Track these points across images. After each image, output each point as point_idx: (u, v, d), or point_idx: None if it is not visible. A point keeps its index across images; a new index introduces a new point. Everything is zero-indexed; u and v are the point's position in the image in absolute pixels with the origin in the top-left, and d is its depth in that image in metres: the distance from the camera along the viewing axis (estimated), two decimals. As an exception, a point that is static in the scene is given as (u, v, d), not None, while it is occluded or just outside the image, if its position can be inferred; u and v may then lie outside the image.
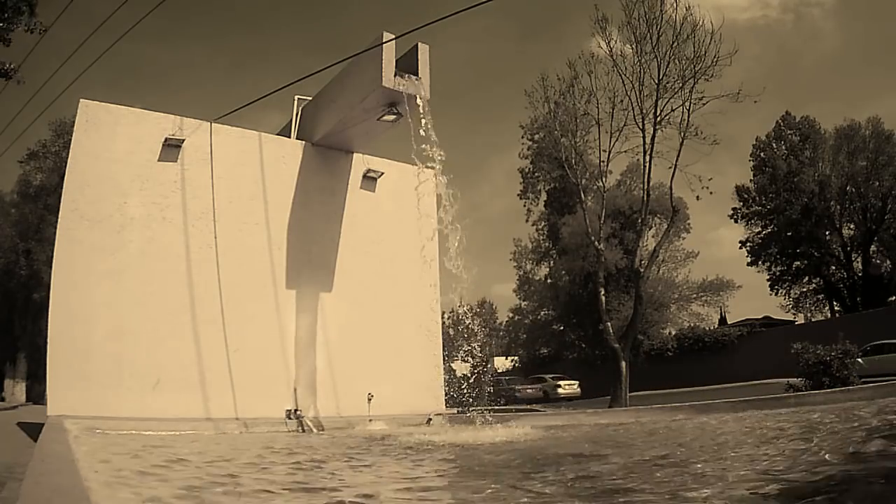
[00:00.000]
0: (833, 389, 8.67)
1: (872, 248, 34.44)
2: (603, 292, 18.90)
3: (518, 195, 38.98)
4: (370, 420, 8.05)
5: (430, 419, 8.44)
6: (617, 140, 17.86)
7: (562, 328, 37.06)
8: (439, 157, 7.21)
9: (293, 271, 8.57)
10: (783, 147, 36.60)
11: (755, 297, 78.98)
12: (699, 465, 3.22)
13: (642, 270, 18.59)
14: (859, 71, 57.53)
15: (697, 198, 18.12)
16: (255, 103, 8.35)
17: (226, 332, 7.76)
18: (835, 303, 36.44)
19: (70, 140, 7.81)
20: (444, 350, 9.89)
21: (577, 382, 29.38)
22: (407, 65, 7.79)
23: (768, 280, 37.77)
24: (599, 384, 28.06)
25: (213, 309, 7.77)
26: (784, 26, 58.66)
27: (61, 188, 7.59)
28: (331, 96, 8.92)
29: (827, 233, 34.90)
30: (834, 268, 35.91)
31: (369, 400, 8.38)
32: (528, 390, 29.91)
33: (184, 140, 8.00)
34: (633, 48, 16.80)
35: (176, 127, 8.03)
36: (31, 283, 28.18)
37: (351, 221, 9.23)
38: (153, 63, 62.07)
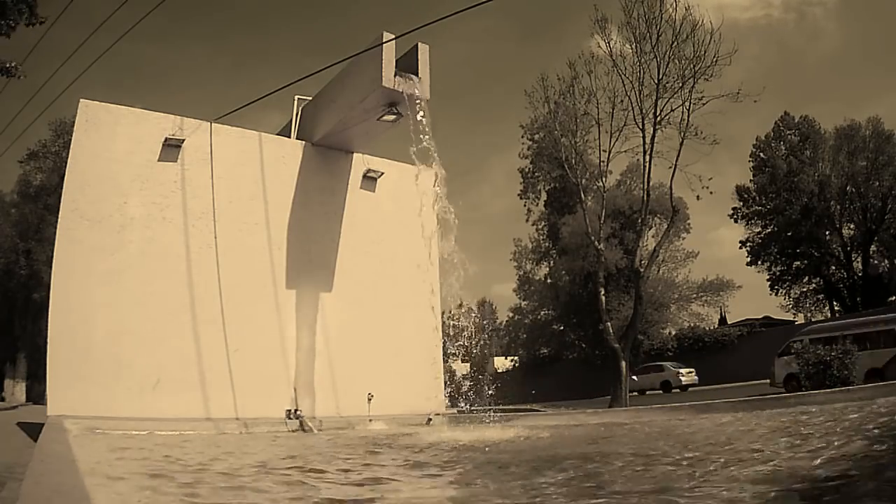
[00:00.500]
0: (833, 389, 8.67)
1: (872, 248, 34.45)
2: (603, 292, 18.90)
3: (518, 195, 39.03)
4: (370, 420, 8.05)
5: (430, 419, 8.44)
6: (617, 140, 17.87)
7: (562, 328, 37.07)
8: (436, 157, 7.20)
9: (293, 271, 8.57)
10: (783, 147, 36.60)
11: (755, 297, 78.96)
12: (698, 466, 3.22)
13: (642, 270, 18.58)
14: (860, 71, 57.53)
15: (697, 198, 18.13)
16: (255, 103, 8.36)
17: (226, 332, 7.76)
18: (835, 303, 36.45)
19: (70, 140, 7.81)
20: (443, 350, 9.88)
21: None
22: (407, 65, 7.79)
23: (768, 280, 37.80)
24: (599, 384, 28.11)
25: (213, 309, 7.77)
26: (786, 26, 58.66)
27: (61, 188, 7.58)
28: (331, 96, 8.92)
29: (827, 233, 34.91)
30: (834, 268, 35.91)
31: (369, 400, 8.38)
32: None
33: (184, 140, 8.00)
34: (632, 48, 16.80)
35: (176, 127, 8.02)
36: (31, 283, 28.18)
37: (351, 221, 9.23)
38: (153, 63, 62.06)
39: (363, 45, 7.91)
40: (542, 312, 38.78)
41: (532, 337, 39.24)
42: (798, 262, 36.66)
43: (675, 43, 16.06)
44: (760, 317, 34.14)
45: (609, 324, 17.90)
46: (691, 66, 15.96)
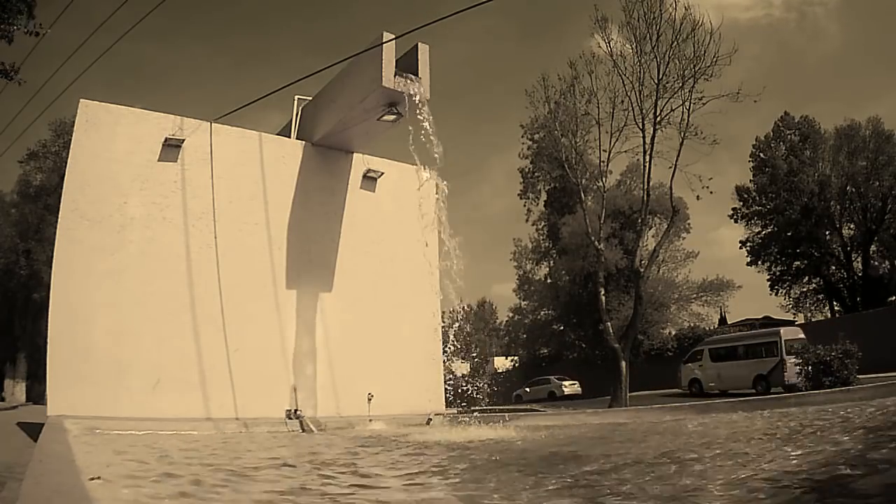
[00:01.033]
0: (833, 389, 8.67)
1: (872, 248, 34.42)
2: (603, 292, 18.90)
3: (518, 195, 38.98)
4: (370, 420, 8.05)
5: (430, 419, 8.44)
6: (617, 140, 17.86)
7: (562, 328, 37.03)
8: (437, 156, 7.20)
9: (293, 271, 8.57)
10: (783, 147, 36.58)
11: (755, 297, 79.06)
12: (698, 465, 3.22)
13: (642, 270, 18.58)
14: (860, 71, 57.54)
15: (697, 198, 18.11)
16: (256, 103, 8.36)
17: (226, 332, 7.76)
18: (835, 303, 36.42)
19: (70, 140, 7.81)
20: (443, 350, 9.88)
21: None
22: (407, 65, 7.79)
23: (768, 280, 37.77)
24: (599, 384, 28.11)
25: (213, 309, 7.77)
26: (787, 25, 58.67)
27: (61, 188, 7.58)
28: (331, 96, 8.92)
29: (827, 233, 34.88)
30: (834, 268, 35.88)
31: (369, 400, 8.38)
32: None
33: (184, 140, 8.00)
34: (632, 48, 16.80)
35: (176, 127, 8.02)
36: (31, 283, 28.16)
37: (351, 221, 9.23)
38: (153, 63, 62.11)
39: (363, 45, 7.91)
40: (542, 312, 38.73)
41: (532, 337, 39.21)
42: (798, 262, 36.64)
43: (675, 43, 16.06)
44: (760, 317, 34.10)
45: (609, 324, 17.89)
46: (691, 66, 15.96)
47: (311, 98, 9.53)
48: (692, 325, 32.20)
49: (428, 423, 8.26)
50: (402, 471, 3.87)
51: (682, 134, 16.34)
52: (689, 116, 16.26)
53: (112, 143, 7.69)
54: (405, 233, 9.48)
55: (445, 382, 9.72)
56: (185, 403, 7.27)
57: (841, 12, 56.19)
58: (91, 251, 7.32)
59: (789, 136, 36.58)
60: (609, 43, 17.11)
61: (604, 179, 20.38)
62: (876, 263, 34.41)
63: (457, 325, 7.43)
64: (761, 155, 37.09)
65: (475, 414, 7.74)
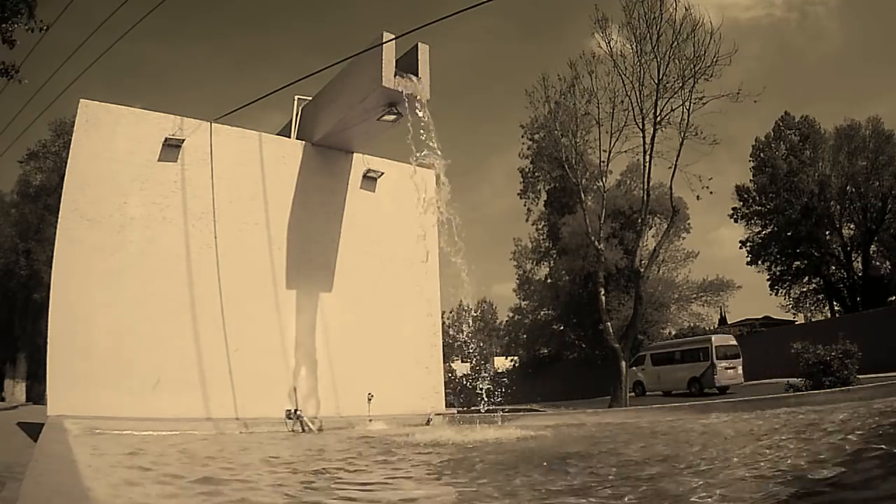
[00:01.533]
0: (833, 389, 8.67)
1: (872, 248, 34.42)
2: (603, 292, 18.89)
3: (518, 195, 38.99)
4: (370, 420, 8.06)
5: (430, 419, 8.44)
6: (617, 140, 17.84)
7: (562, 328, 37.04)
8: (439, 156, 7.20)
9: (293, 271, 8.57)
10: (783, 147, 36.58)
11: (755, 297, 78.96)
12: (697, 466, 3.22)
13: (642, 270, 18.57)
14: (860, 70, 57.51)
15: (697, 198, 18.08)
16: (256, 103, 8.36)
17: (226, 332, 7.76)
18: (835, 303, 36.41)
19: (70, 140, 7.81)
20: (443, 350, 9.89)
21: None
22: (407, 65, 7.79)
23: (768, 280, 37.76)
24: (599, 384, 28.13)
25: (213, 309, 7.77)
26: (787, 25, 58.56)
27: (61, 188, 7.59)
28: (331, 96, 8.92)
29: (827, 233, 34.87)
30: (834, 268, 35.87)
31: (369, 400, 8.38)
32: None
33: (184, 140, 8.00)
34: (632, 48, 16.79)
35: (176, 127, 8.03)
36: (31, 283, 28.16)
37: (351, 221, 9.23)
38: (153, 63, 61.99)
39: (363, 45, 7.91)
40: (542, 312, 38.74)
41: (532, 337, 39.21)
42: (798, 262, 36.63)
43: (676, 43, 16.05)
44: (760, 317, 34.14)
45: (609, 324, 17.88)
46: (691, 66, 15.95)
47: (311, 98, 9.53)
48: (692, 325, 32.23)
49: (428, 423, 8.26)
50: (402, 471, 3.87)
51: (682, 134, 16.33)
52: (689, 116, 16.26)
53: (112, 143, 7.69)
54: (405, 233, 9.48)
55: (446, 383, 9.72)
56: (185, 403, 7.27)
57: (842, 12, 56.12)
58: (91, 251, 7.32)
59: (789, 136, 36.58)
60: (609, 43, 17.11)
61: (604, 179, 20.38)
62: (877, 264, 34.40)
63: (464, 325, 7.41)
64: (761, 155, 37.09)
65: (475, 414, 7.73)
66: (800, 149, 35.77)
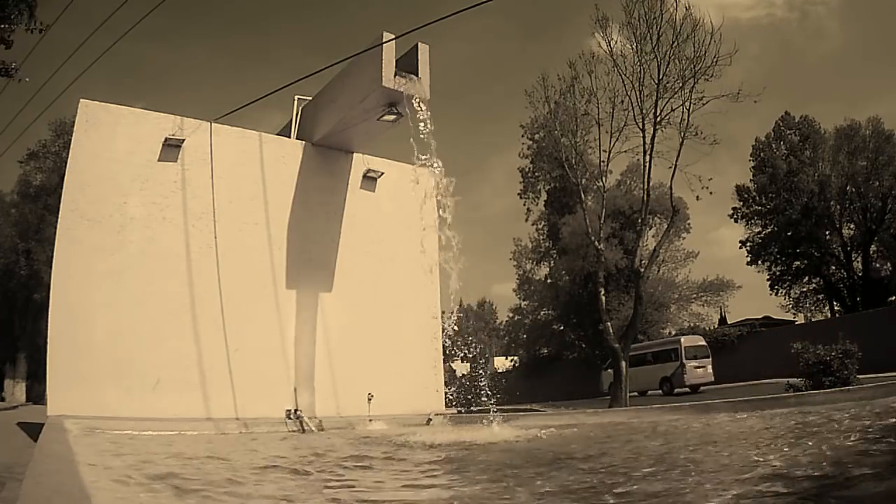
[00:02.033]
0: (833, 389, 8.67)
1: (872, 248, 34.41)
2: (603, 292, 18.87)
3: (518, 195, 38.99)
4: (370, 420, 8.06)
5: (430, 419, 8.44)
6: (617, 140, 17.82)
7: (562, 328, 37.03)
8: (437, 165, 7.20)
9: (293, 271, 8.58)
10: (783, 147, 36.57)
11: (755, 297, 79.08)
12: (696, 466, 3.22)
13: (642, 270, 18.55)
14: (861, 70, 57.55)
15: (697, 198, 18.05)
16: (255, 103, 8.35)
17: (226, 332, 7.76)
18: (835, 303, 36.41)
19: (70, 140, 7.81)
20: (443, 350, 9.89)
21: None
22: (407, 65, 7.79)
23: (768, 280, 37.76)
24: (599, 384, 28.09)
25: (213, 309, 7.78)
26: (788, 25, 58.63)
27: (61, 188, 7.59)
28: (331, 96, 8.92)
29: (827, 233, 34.86)
30: (834, 268, 35.87)
31: (369, 400, 8.38)
32: None
33: (184, 140, 8.00)
34: (633, 48, 16.77)
35: (176, 127, 8.03)
36: (31, 283, 28.16)
37: (351, 221, 9.23)
38: (153, 63, 62.10)
39: (363, 45, 7.91)
40: (542, 312, 38.74)
41: (532, 337, 39.20)
42: (798, 262, 36.63)
43: (676, 43, 16.03)
44: (760, 317, 34.08)
45: (609, 324, 17.87)
46: (692, 66, 15.93)
47: (311, 98, 9.53)
48: (692, 325, 32.21)
49: (428, 423, 8.26)
50: (402, 471, 3.87)
51: (682, 134, 16.31)
52: (689, 116, 16.24)
53: (112, 143, 7.69)
54: (405, 233, 9.48)
55: (446, 383, 9.71)
56: (185, 403, 7.27)
57: (842, 12, 56.15)
58: (91, 251, 7.32)
59: (789, 136, 36.58)
60: (609, 43, 17.09)
61: (604, 179, 20.36)
62: (878, 266, 34.39)
63: (454, 321, 7.41)
64: (761, 155, 37.09)
65: (475, 414, 7.73)
66: (800, 149, 35.77)
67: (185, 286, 7.71)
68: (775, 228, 36.60)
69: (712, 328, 31.53)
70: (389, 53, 7.64)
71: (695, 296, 33.68)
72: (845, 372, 10.67)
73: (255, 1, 68.84)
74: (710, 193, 18.68)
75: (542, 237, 38.83)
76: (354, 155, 9.45)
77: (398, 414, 8.43)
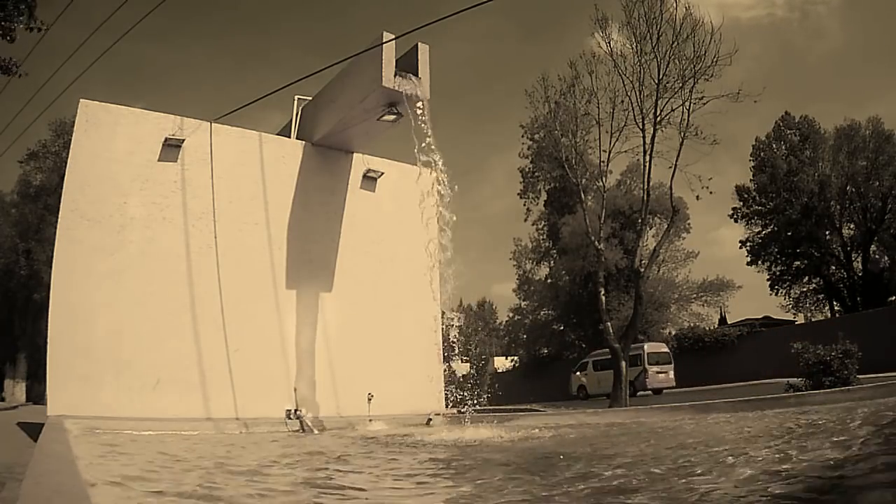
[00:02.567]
0: (833, 389, 8.67)
1: (872, 248, 34.42)
2: (603, 292, 18.83)
3: (518, 195, 39.01)
4: (370, 420, 8.06)
5: (430, 419, 8.44)
6: (617, 140, 17.78)
7: (562, 328, 37.05)
8: (439, 161, 7.20)
9: (293, 271, 8.58)
10: (783, 147, 36.57)
11: (755, 297, 79.08)
12: (696, 465, 3.22)
13: (642, 270, 18.53)
14: (861, 70, 57.53)
15: (697, 198, 18.01)
16: (256, 103, 8.36)
17: (226, 332, 7.77)
18: (835, 303, 36.40)
19: (70, 140, 7.81)
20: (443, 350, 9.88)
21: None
22: (407, 65, 7.79)
23: (768, 280, 37.75)
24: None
25: (213, 309, 7.78)
26: (789, 25, 58.61)
27: (61, 188, 7.59)
28: (331, 96, 8.92)
29: (827, 233, 34.86)
30: (834, 268, 35.87)
31: (369, 400, 8.38)
32: None
33: (184, 140, 8.01)
34: (633, 48, 16.75)
35: (176, 127, 8.03)
36: (31, 283, 28.17)
37: (351, 221, 9.24)
38: (153, 63, 62.11)
39: (363, 45, 7.92)
40: (542, 312, 38.74)
41: (532, 337, 39.20)
42: (798, 262, 36.63)
43: (676, 43, 16.00)
44: (760, 317, 34.07)
45: (609, 324, 17.85)
46: (692, 66, 15.90)
47: (311, 98, 9.53)
48: (692, 325, 32.19)
49: (428, 423, 8.26)
50: (402, 471, 3.87)
51: (682, 134, 16.28)
52: (689, 116, 16.20)
53: (112, 143, 7.69)
54: (405, 233, 9.48)
55: (446, 383, 9.71)
56: (185, 403, 7.27)
57: (843, 12, 56.12)
58: (91, 251, 7.32)
59: (789, 136, 36.58)
60: (609, 43, 17.06)
61: (604, 179, 20.34)
62: (878, 262, 34.37)
63: (456, 326, 7.42)
64: (761, 155, 37.09)
65: (475, 414, 7.74)
66: (800, 149, 35.77)
67: (185, 286, 7.71)
68: (775, 228, 36.60)
69: (712, 328, 31.52)
70: (389, 53, 7.64)
71: (695, 296, 33.68)
72: (845, 372, 10.66)
73: (255, 1, 68.87)
74: (711, 193, 18.66)
75: (542, 237, 38.86)
76: (354, 155, 9.45)
77: (398, 414, 8.42)
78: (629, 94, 17.00)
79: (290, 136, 9.40)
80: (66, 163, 7.76)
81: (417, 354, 9.25)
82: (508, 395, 32.15)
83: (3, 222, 30.64)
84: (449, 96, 66.58)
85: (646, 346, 25.02)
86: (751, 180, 37.72)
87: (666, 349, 25.42)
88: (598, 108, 17.92)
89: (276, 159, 8.82)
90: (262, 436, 6.86)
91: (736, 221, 38.79)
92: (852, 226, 34.91)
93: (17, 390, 29.31)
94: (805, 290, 37.47)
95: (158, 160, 7.89)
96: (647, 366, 24.21)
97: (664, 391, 23.68)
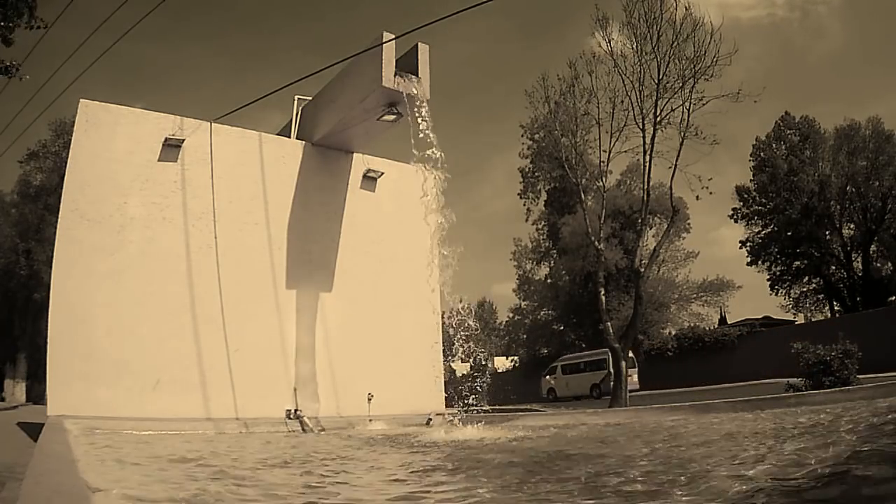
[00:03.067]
0: (833, 389, 8.67)
1: (872, 248, 34.42)
2: (603, 292, 18.83)
3: (518, 195, 39.02)
4: (370, 420, 8.06)
5: (430, 419, 8.43)
6: (617, 140, 17.78)
7: (562, 328, 37.05)
8: (439, 156, 7.20)
9: (293, 271, 8.58)
10: (783, 147, 36.58)
11: (755, 297, 79.04)
12: (696, 465, 3.22)
13: (642, 270, 18.53)
14: (861, 70, 57.50)
15: (697, 198, 18.02)
16: (256, 103, 8.36)
17: (226, 332, 7.77)
18: (835, 303, 36.40)
19: (70, 140, 7.82)
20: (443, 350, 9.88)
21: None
22: (407, 65, 7.79)
23: (768, 280, 37.74)
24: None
25: (213, 309, 7.78)
26: (789, 25, 58.55)
27: (61, 188, 7.59)
28: (331, 96, 8.92)
29: (827, 233, 34.86)
30: (834, 268, 35.86)
31: (369, 400, 8.38)
32: None
33: (184, 140, 8.01)
34: (633, 48, 16.75)
35: (176, 127, 8.03)
36: (31, 283, 28.16)
37: (351, 221, 9.24)
38: (154, 63, 62.09)
39: (363, 45, 7.92)
40: (542, 312, 38.76)
41: (532, 337, 39.22)
42: (798, 262, 36.62)
43: (676, 43, 16.01)
44: (760, 317, 34.05)
45: (609, 324, 17.85)
46: (692, 66, 15.91)
47: (311, 98, 9.53)
48: (692, 325, 32.19)
49: (428, 424, 8.25)
50: (402, 471, 3.87)
51: (682, 134, 16.29)
52: (689, 116, 16.21)
53: (112, 143, 7.69)
54: (405, 233, 9.48)
55: (446, 384, 9.71)
56: (185, 403, 7.27)
57: (843, 12, 56.07)
58: (91, 251, 7.32)
59: (789, 136, 36.57)
60: (609, 43, 17.07)
61: (604, 179, 20.34)
62: (879, 265, 34.37)
63: (460, 325, 7.41)
64: (761, 155, 37.09)
65: (475, 414, 7.74)
66: (800, 149, 35.77)
67: (185, 286, 7.71)
68: (775, 228, 36.60)
69: (712, 328, 31.52)
70: (389, 53, 7.64)
71: (695, 296, 33.68)
72: (845, 372, 10.66)
73: (255, 1, 68.86)
74: (710, 193, 18.66)
75: (542, 237, 38.87)
76: (354, 155, 9.45)
77: (398, 414, 8.43)
78: (629, 94, 17.00)
79: (290, 136, 9.40)
80: (66, 163, 7.76)
81: (417, 354, 9.25)
82: (508, 395, 32.21)
83: (3, 222, 30.64)
84: (449, 96, 66.56)
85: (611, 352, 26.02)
86: (751, 180, 37.73)
87: (631, 354, 26.10)
88: (598, 108, 17.92)
89: (276, 159, 8.82)
90: (262, 436, 6.86)
91: (736, 221, 38.82)
92: (852, 226, 34.91)
93: (17, 390, 29.31)
94: (805, 290, 37.47)
95: (158, 160, 7.89)
96: (611, 370, 25.05)
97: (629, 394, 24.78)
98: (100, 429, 6.00)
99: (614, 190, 31.22)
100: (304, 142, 9.15)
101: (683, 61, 16.05)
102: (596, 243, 18.76)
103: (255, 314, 8.21)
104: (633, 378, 25.27)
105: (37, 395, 26.21)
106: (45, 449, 3.65)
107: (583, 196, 20.17)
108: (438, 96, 8.11)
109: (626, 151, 18.37)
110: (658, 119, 16.50)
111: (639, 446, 4.55)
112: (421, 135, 7.30)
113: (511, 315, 44.94)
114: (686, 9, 15.86)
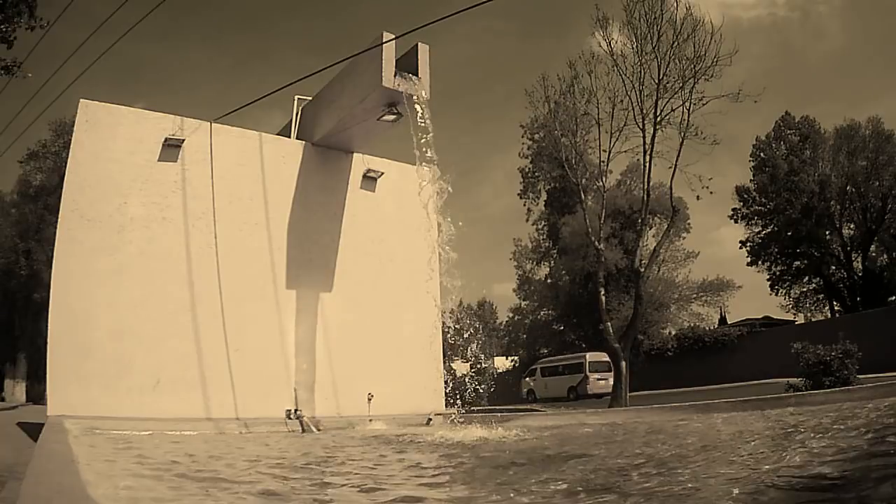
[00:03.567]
0: (833, 389, 8.67)
1: (872, 248, 34.41)
2: (603, 292, 18.84)
3: (518, 195, 39.01)
4: (370, 420, 8.05)
5: (430, 419, 8.43)
6: (617, 140, 17.78)
7: (562, 328, 37.04)
8: (435, 160, 7.21)
9: (293, 271, 8.57)
10: (783, 147, 36.56)
11: (755, 297, 78.95)
12: (695, 465, 3.22)
13: (642, 270, 18.54)
14: (861, 70, 57.44)
15: (697, 198, 18.03)
16: (256, 103, 8.37)
17: (226, 332, 7.77)
18: (835, 303, 36.38)
19: (70, 140, 7.82)
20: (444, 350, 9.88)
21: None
22: (407, 65, 7.79)
23: (768, 280, 37.72)
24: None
25: (214, 309, 7.78)
26: (790, 25, 58.51)
27: (61, 188, 7.59)
28: (331, 96, 8.92)
29: (827, 233, 34.84)
30: (834, 268, 35.85)
31: (369, 400, 8.38)
32: None
33: (184, 140, 8.00)
34: (633, 48, 16.75)
35: (176, 127, 8.03)
36: (31, 283, 28.15)
37: (351, 221, 9.23)
38: (154, 63, 62.09)
39: (363, 45, 7.92)
40: (542, 312, 38.75)
41: (532, 337, 39.21)
42: (798, 262, 36.60)
43: (676, 43, 16.01)
44: (760, 317, 34.04)
45: (609, 324, 17.85)
46: (692, 66, 15.91)
47: (311, 98, 9.53)
48: (692, 325, 32.17)
49: (428, 423, 8.25)
50: (402, 471, 3.87)
51: (682, 134, 16.29)
52: (689, 116, 16.22)
53: (112, 143, 7.69)
54: (405, 233, 9.48)
55: (446, 384, 9.71)
56: (185, 403, 7.27)
57: (844, 12, 56.04)
58: (91, 251, 7.32)
59: (789, 136, 36.56)
60: (609, 43, 17.07)
61: (604, 179, 20.33)
62: (878, 264, 34.36)
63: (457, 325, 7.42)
64: (761, 155, 37.07)
65: (475, 414, 7.73)
66: (800, 149, 35.75)
67: (185, 286, 7.71)
68: (775, 228, 36.58)
69: (712, 328, 31.51)
70: (389, 53, 7.64)
71: (695, 296, 33.65)
72: (845, 372, 10.66)
73: (255, 1, 68.83)
74: (711, 193, 18.68)
75: (542, 237, 38.87)
76: (354, 155, 9.45)
77: (398, 414, 8.42)
78: (629, 93, 17.00)
79: (290, 136, 9.40)
80: (66, 163, 7.76)
81: (417, 354, 9.25)
82: (509, 395, 32.21)
83: (3, 222, 30.64)
84: (449, 96, 66.51)
85: (587, 356, 26.98)
86: (751, 180, 37.71)
87: (606, 358, 25.28)
88: (598, 108, 17.92)
89: (276, 159, 8.82)
90: (262, 436, 6.85)
91: (736, 222, 38.79)
92: (852, 226, 34.90)
93: (17, 390, 29.30)
94: (805, 290, 37.45)
95: (158, 160, 7.89)
96: (588, 373, 26.43)
97: (603, 396, 24.37)
98: (100, 429, 6.00)
99: (614, 190, 31.19)
100: (304, 142, 9.15)
101: (684, 61, 16.06)
102: (596, 243, 18.76)
103: (256, 314, 8.21)
104: (609, 381, 24.15)
105: (37, 395, 26.20)
106: (45, 449, 3.65)
107: (583, 196, 20.16)
108: (438, 96, 8.12)
109: (626, 151, 18.38)
110: (658, 119, 16.50)
111: (640, 446, 4.55)
112: (421, 136, 7.30)
113: (511, 315, 44.98)
114: (686, 9, 15.87)
